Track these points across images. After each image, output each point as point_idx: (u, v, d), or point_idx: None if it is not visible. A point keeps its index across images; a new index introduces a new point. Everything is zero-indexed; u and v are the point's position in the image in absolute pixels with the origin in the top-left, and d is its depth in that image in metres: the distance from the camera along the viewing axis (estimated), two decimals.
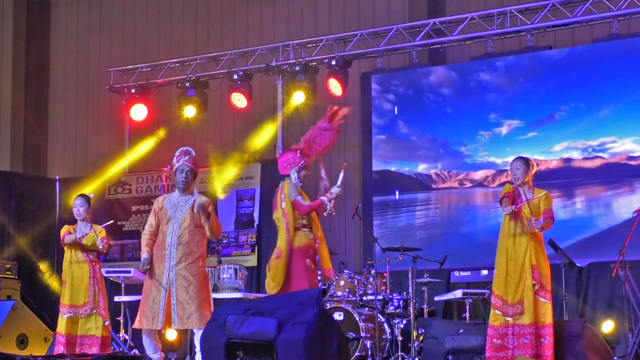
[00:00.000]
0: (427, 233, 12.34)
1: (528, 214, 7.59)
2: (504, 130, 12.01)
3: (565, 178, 11.29)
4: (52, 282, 12.95)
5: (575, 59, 11.66)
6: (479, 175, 12.18)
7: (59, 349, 8.76)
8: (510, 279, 7.60)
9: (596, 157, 11.42)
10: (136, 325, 7.91)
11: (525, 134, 11.85)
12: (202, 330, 7.26)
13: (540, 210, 7.62)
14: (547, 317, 7.53)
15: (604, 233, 11.15)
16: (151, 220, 7.94)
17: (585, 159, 11.48)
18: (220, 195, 12.70)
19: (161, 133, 13.67)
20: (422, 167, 12.58)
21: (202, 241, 7.88)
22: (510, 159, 11.83)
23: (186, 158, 7.90)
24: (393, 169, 12.70)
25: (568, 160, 11.51)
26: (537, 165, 7.93)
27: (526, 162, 7.77)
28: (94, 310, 8.87)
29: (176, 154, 7.97)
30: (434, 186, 12.45)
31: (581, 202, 11.19)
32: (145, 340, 7.88)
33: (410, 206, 12.58)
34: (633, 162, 11.19)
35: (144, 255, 7.86)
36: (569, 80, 11.59)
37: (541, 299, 7.55)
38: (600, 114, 11.37)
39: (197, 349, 7.65)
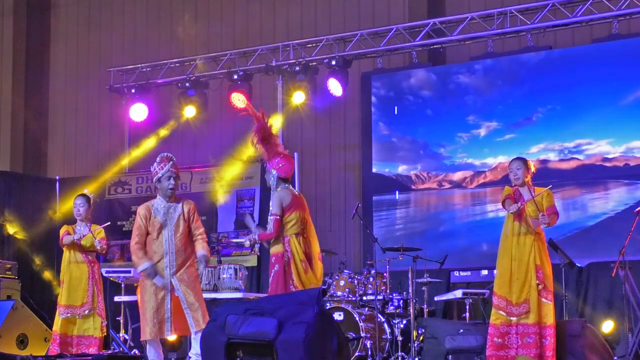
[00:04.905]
0: (406, 233, 12.34)
1: (532, 212, 7.58)
2: (482, 132, 12.06)
3: (541, 179, 11.34)
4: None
5: (553, 61, 11.70)
6: (457, 176, 12.21)
7: (54, 348, 8.77)
8: (514, 279, 7.59)
9: (572, 158, 11.45)
10: (146, 337, 7.81)
11: (502, 136, 11.93)
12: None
13: (543, 208, 7.63)
14: (549, 318, 7.54)
15: (578, 234, 11.22)
16: (140, 225, 7.84)
17: (562, 160, 11.52)
18: (221, 199, 12.77)
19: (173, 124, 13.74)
20: (402, 169, 12.61)
21: (192, 245, 7.99)
22: (489, 160, 12.10)
23: (170, 164, 7.85)
24: (374, 170, 12.74)
25: (545, 161, 11.54)
26: (534, 165, 7.94)
27: (525, 162, 7.81)
28: (92, 311, 8.87)
29: (157, 160, 7.90)
30: (413, 187, 12.47)
31: (557, 202, 11.27)
32: (151, 350, 7.85)
33: (390, 207, 12.61)
34: (608, 164, 11.23)
35: (147, 264, 7.75)
36: (545, 82, 11.65)
37: (543, 299, 7.55)
38: (576, 116, 11.43)
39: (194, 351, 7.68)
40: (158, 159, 7.92)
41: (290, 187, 7.92)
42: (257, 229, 7.85)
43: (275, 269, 7.69)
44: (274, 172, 7.84)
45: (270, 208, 7.78)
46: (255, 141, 7.97)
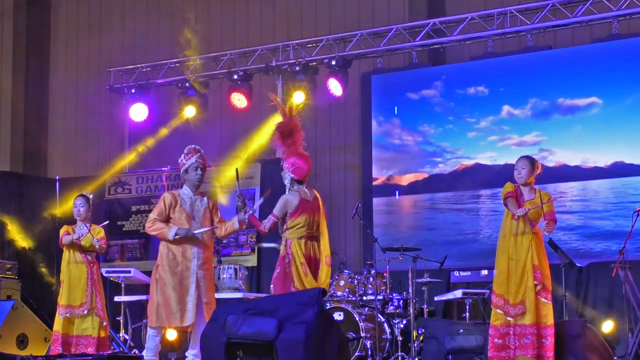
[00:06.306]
0: (406, 233, 12.34)
1: (530, 213, 7.56)
2: (483, 132, 12.08)
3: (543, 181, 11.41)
4: None
5: (552, 61, 11.69)
6: (457, 176, 12.21)
7: (56, 348, 8.78)
8: (511, 279, 7.58)
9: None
10: (164, 323, 7.78)
11: (504, 137, 11.93)
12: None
13: (543, 212, 7.60)
14: (549, 318, 7.52)
15: None
16: (162, 209, 7.86)
17: (561, 161, 11.58)
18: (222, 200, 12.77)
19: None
20: (402, 169, 12.62)
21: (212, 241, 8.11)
22: (490, 161, 12.04)
23: (198, 155, 7.97)
24: (374, 170, 12.76)
25: (544, 163, 11.57)
26: (541, 166, 7.90)
27: (532, 162, 7.74)
28: (91, 311, 8.88)
29: (185, 152, 8.02)
30: (413, 187, 12.49)
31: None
32: (155, 340, 7.81)
33: (390, 207, 12.64)
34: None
35: (174, 227, 7.75)
36: (545, 83, 11.64)
37: (542, 299, 7.53)
38: (576, 117, 11.49)
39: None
40: (185, 150, 8.02)
41: (304, 188, 7.83)
42: (250, 211, 7.89)
43: (278, 271, 7.70)
44: (288, 172, 7.82)
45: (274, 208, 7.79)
46: (275, 137, 7.96)
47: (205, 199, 8.02)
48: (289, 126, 7.92)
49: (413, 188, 12.53)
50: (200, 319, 7.77)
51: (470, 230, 12.05)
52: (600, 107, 11.35)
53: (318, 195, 7.88)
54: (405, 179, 12.62)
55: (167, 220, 7.89)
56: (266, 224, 7.70)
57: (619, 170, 11.22)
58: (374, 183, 12.75)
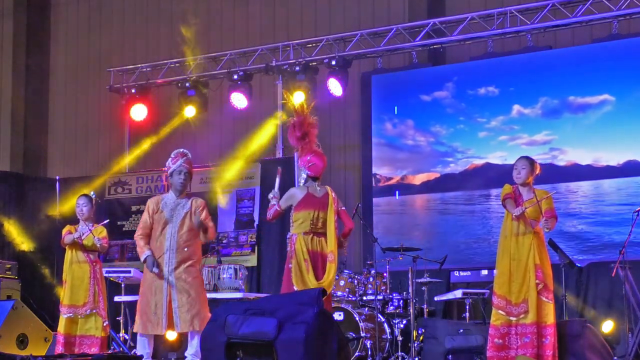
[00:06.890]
0: (406, 233, 12.33)
1: (531, 213, 7.57)
2: (483, 130, 12.08)
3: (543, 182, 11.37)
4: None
5: (552, 61, 11.67)
6: (457, 176, 12.21)
7: (58, 348, 8.78)
8: (513, 279, 7.58)
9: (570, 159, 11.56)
10: (140, 330, 7.87)
11: (504, 136, 11.94)
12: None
13: (542, 210, 7.60)
14: (550, 317, 7.52)
15: None
16: (146, 219, 7.92)
17: (555, 160, 11.58)
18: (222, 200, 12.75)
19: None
20: (402, 169, 12.63)
21: (198, 244, 7.99)
22: (490, 160, 12.02)
23: (183, 159, 7.92)
24: (374, 170, 12.77)
25: (543, 163, 11.53)
26: (540, 168, 7.90)
27: (531, 162, 7.75)
28: (94, 311, 8.87)
29: (172, 156, 7.99)
30: (413, 187, 12.49)
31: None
32: (143, 342, 7.87)
33: (390, 207, 12.65)
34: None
35: (147, 253, 7.81)
36: (543, 82, 11.64)
37: (544, 298, 7.54)
38: (576, 117, 11.47)
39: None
40: (172, 154, 8.01)
41: (315, 185, 7.86)
42: (276, 196, 7.93)
43: (285, 267, 7.77)
44: (304, 170, 7.87)
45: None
46: (294, 137, 7.97)
47: (188, 202, 7.94)
48: (304, 124, 7.94)
49: (426, 187, 12.52)
50: (174, 323, 7.73)
51: (479, 230, 12.04)
52: (613, 105, 11.30)
53: (330, 193, 7.87)
54: (418, 179, 12.62)
55: (152, 227, 7.92)
56: (270, 211, 7.86)
57: (632, 168, 11.16)
58: (388, 183, 12.74)
